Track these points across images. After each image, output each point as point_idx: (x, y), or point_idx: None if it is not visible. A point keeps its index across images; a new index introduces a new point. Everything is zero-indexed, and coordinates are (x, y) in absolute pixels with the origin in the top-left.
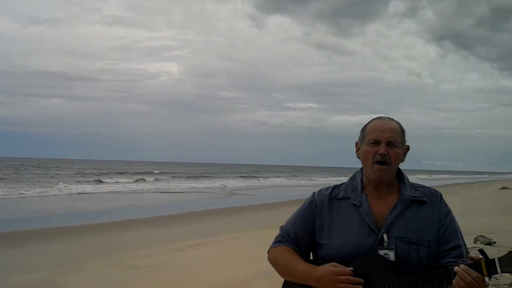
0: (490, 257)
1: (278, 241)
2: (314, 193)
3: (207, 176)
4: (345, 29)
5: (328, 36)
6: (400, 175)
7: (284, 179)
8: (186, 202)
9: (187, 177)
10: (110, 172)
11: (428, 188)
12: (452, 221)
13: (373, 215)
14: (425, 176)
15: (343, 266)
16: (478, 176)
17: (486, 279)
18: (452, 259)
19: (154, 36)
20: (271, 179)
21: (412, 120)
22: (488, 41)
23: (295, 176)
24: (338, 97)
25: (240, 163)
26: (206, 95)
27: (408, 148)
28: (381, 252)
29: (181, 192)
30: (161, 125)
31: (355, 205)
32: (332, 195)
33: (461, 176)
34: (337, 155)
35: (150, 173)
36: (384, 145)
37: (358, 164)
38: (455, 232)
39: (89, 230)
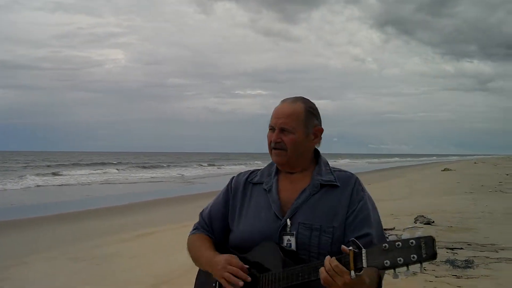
0: (415, 239)
1: (194, 228)
2: (233, 177)
3: (165, 166)
4: (291, 15)
5: (275, 22)
6: (317, 158)
7: (244, 166)
8: (141, 192)
9: (144, 167)
10: (67, 164)
11: (345, 172)
12: (365, 207)
13: (281, 200)
14: (375, 160)
15: (239, 260)
16: (424, 158)
17: (352, 273)
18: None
19: (99, 22)
20: (231, 167)
21: (358, 105)
22: (429, 26)
23: (256, 163)
24: (286, 83)
25: (194, 151)
26: (155, 83)
27: (319, 130)
28: (285, 239)
29: (140, 182)
30: (109, 114)
31: (266, 190)
32: (248, 179)
33: (409, 159)
34: None
35: (109, 164)
36: (277, 131)
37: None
38: (366, 219)
39: (35, 223)
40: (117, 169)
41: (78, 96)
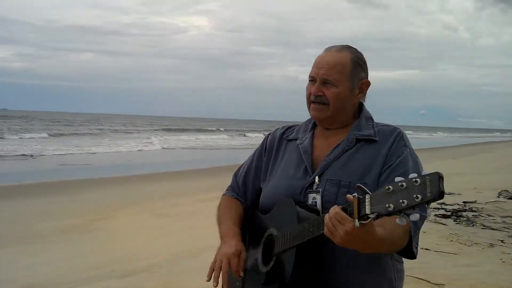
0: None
1: (227, 190)
2: (269, 134)
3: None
4: None
5: None
6: (360, 112)
7: None
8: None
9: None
10: (177, 129)
11: (389, 126)
12: (403, 163)
13: (313, 156)
14: (463, 134)
15: (243, 260)
16: None
17: (356, 221)
18: None
19: None
20: None
21: (448, 76)
22: None
23: None
24: (372, 52)
25: (272, 119)
26: (236, 50)
27: (366, 84)
28: (310, 197)
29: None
30: (193, 81)
31: (298, 146)
32: (284, 135)
33: (498, 134)
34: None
35: (217, 130)
36: (318, 84)
37: (393, 118)
38: (404, 176)
39: (128, 181)
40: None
41: (162, 63)
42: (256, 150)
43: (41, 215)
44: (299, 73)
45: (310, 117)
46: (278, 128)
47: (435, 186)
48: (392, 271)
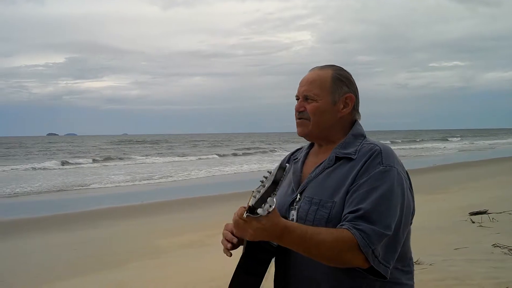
0: None
1: None
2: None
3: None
4: None
5: None
6: (349, 130)
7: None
8: None
9: None
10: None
11: (375, 144)
12: (373, 180)
13: (302, 174)
14: None
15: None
16: None
17: (245, 213)
18: (345, 223)
19: (286, 6)
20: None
21: None
22: None
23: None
24: (486, 52)
25: (386, 129)
26: (341, 61)
27: (350, 98)
28: (291, 213)
29: None
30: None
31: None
32: (292, 157)
33: None
34: (487, 115)
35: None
36: (300, 100)
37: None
38: (368, 194)
39: (239, 197)
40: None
41: (267, 80)
42: None
43: (162, 232)
44: (409, 79)
45: None
46: (290, 152)
47: (272, 176)
48: None
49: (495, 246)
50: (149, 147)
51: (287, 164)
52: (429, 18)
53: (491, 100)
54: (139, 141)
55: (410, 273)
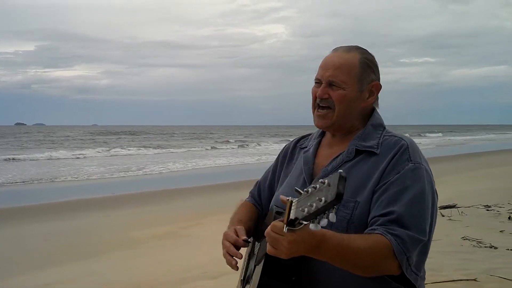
0: None
1: (248, 196)
2: (287, 144)
3: None
4: None
5: None
6: (368, 120)
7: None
8: None
9: None
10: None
11: (396, 137)
12: (402, 179)
13: (315, 165)
14: None
15: (241, 231)
16: None
17: (285, 227)
18: (378, 227)
19: None
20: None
21: None
22: None
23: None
24: (455, 48)
25: None
26: (315, 55)
27: (376, 86)
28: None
29: None
30: (271, 89)
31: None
32: (298, 144)
33: None
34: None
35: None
36: (323, 86)
37: (488, 120)
38: (398, 195)
39: (213, 189)
40: None
41: (240, 72)
42: (274, 160)
43: (137, 223)
44: (383, 74)
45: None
46: (295, 138)
47: (334, 187)
48: None
49: (464, 239)
50: (123, 138)
51: (341, 172)
52: (401, 14)
53: (458, 97)
54: (113, 132)
55: (424, 279)
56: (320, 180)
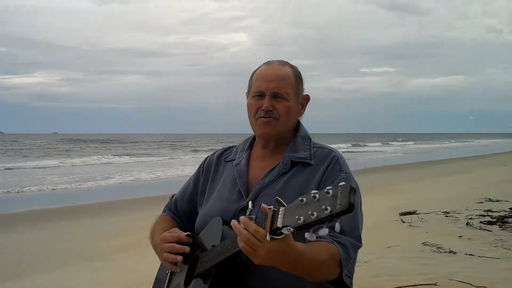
0: None
1: (163, 210)
2: (207, 156)
3: None
4: None
5: None
6: (297, 132)
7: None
8: None
9: None
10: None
11: (328, 149)
12: None
13: (249, 179)
14: None
15: (177, 231)
16: None
17: (268, 236)
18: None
19: (224, 7)
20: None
21: (496, 80)
22: None
23: (390, 143)
24: (414, 59)
25: (321, 132)
26: None
27: (307, 98)
28: None
29: None
30: (235, 97)
31: (235, 167)
32: (222, 157)
33: None
34: (413, 120)
35: None
36: (268, 98)
37: (454, 128)
38: None
39: None
40: None
41: (204, 80)
42: (193, 174)
43: (99, 234)
44: (341, 84)
45: (247, 137)
46: (216, 151)
47: (344, 198)
48: None
49: (424, 245)
50: (86, 147)
51: (352, 184)
52: (361, 24)
53: (419, 105)
54: (75, 140)
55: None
56: (314, 192)
